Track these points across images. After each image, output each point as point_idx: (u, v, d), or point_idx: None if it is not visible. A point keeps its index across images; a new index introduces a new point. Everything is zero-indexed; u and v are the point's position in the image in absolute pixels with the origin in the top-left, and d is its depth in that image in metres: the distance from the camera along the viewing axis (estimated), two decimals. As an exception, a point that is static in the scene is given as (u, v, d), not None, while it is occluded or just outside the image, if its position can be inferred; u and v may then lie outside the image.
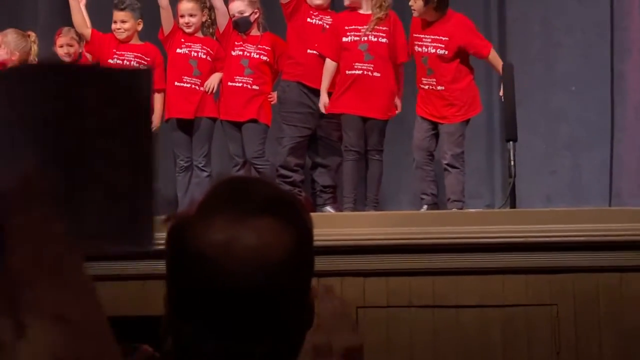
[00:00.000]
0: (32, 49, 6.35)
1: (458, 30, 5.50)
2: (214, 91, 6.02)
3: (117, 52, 6.08)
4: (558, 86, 6.53)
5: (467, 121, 5.58)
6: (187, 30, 6.05)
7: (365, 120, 5.60)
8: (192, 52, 6.04)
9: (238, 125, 5.96)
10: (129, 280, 4.66)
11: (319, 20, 5.83)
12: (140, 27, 6.12)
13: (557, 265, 4.45)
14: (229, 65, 5.97)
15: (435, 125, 5.55)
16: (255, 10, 5.96)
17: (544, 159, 6.46)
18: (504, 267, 4.49)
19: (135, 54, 6.07)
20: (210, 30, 6.12)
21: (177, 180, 6.09)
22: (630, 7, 6.39)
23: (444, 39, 5.47)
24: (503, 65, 5.91)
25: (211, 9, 6.07)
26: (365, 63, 5.56)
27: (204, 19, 6.10)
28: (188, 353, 1.35)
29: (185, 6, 6.05)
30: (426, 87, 5.52)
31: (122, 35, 6.06)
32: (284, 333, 1.35)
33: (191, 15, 6.05)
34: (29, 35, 6.36)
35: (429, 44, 5.51)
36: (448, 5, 5.55)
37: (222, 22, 5.98)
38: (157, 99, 6.06)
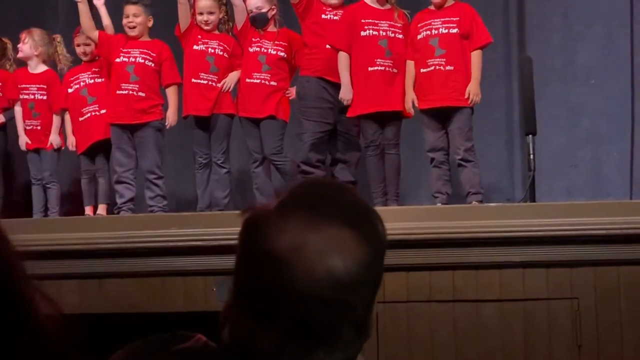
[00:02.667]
0: (58, 50, 6.40)
1: (467, 11, 5.51)
2: (231, 89, 6.01)
3: (123, 50, 6.03)
4: (578, 79, 6.48)
5: (472, 112, 5.52)
6: (206, 28, 6.00)
7: (382, 115, 5.59)
8: (209, 49, 5.98)
9: (256, 122, 5.95)
10: (149, 277, 4.68)
11: (334, 15, 5.81)
12: (150, 24, 6.08)
13: (578, 258, 4.43)
14: (247, 62, 5.96)
15: (443, 123, 5.52)
16: (273, 7, 5.95)
17: (564, 152, 6.42)
18: (524, 260, 4.48)
19: (141, 50, 6.02)
20: (227, 27, 6.10)
21: (196, 177, 6.09)
22: (650, -1, 6.37)
23: (454, 19, 5.46)
24: (522, 57, 5.89)
25: (227, 5, 6.06)
26: (386, 59, 5.56)
27: (220, 16, 6.08)
28: (245, 347, 1.34)
29: (204, 4, 6.03)
30: (432, 68, 5.43)
31: (133, 31, 6.02)
32: (341, 344, 1.34)
33: (210, 13, 6.01)
34: (54, 39, 6.41)
35: (440, 26, 5.48)
36: None
37: (240, 18, 5.96)
38: (172, 92, 6.06)
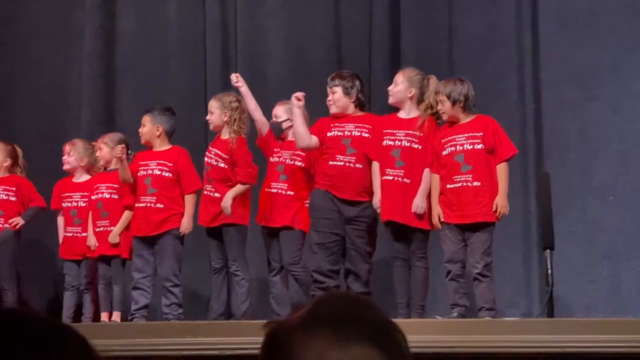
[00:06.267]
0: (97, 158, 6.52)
1: (489, 125, 5.50)
2: (229, 213, 5.85)
3: (141, 163, 6.12)
4: (595, 195, 6.47)
5: (494, 227, 5.51)
6: (210, 127, 6.12)
7: (403, 227, 5.57)
8: (207, 159, 6.02)
9: (275, 231, 5.95)
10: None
11: (338, 131, 5.77)
12: (159, 132, 6.09)
13: (597, 375, 4.34)
14: (268, 172, 6.02)
15: (464, 236, 5.48)
16: (290, 118, 5.91)
17: (583, 268, 6.36)
18: (541, 377, 4.38)
19: (158, 162, 6.08)
20: (234, 128, 5.94)
21: (211, 282, 6.10)
22: (667, 117, 6.41)
23: (478, 134, 5.46)
24: (539, 173, 5.91)
25: (237, 109, 5.95)
26: (396, 169, 5.56)
27: (225, 118, 5.97)
28: None
29: (209, 103, 6.11)
30: (459, 184, 5.44)
31: (142, 140, 6.13)
32: None
33: (210, 113, 6.03)
34: (93, 145, 6.49)
35: (464, 142, 5.49)
36: (473, 107, 5.57)
37: (263, 129, 6.00)
38: (189, 200, 6.07)
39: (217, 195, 5.94)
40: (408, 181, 5.55)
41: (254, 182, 6.01)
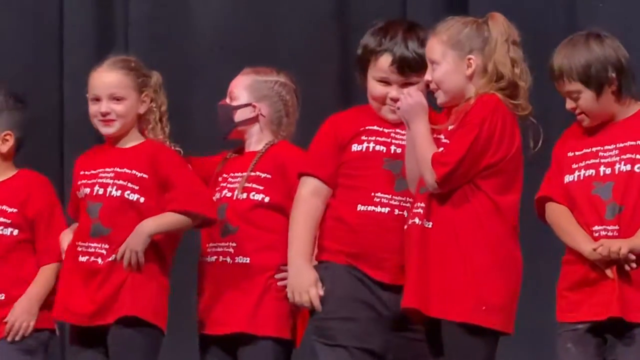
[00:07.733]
0: None
1: None
2: (139, 267, 4.00)
3: None
4: None
5: None
6: (105, 130, 4.06)
7: (433, 322, 3.91)
8: (96, 187, 4.11)
9: (225, 342, 4.06)
10: None
11: (377, 142, 4.02)
12: (7, 146, 4.32)
13: None
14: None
15: (605, 351, 3.85)
16: (255, 105, 4.11)
17: None
18: None
19: None
20: (158, 124, 4.15)
21: None
22: None
23: None
24: None
25: (161, 89, 4.16)
26: (416, 207, 3.89)
27: (143, 108, 4.06)
28: None
29: (103, 79, 4.09)
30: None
31: None
32: None
33: (116, 99, 4.03)
34: None
35: (615, 159, 3.89)
36: (632, 88, 3.83)
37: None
38: (42, 276, 4.26)
39: (110, 260, 4.08)
40: (429, 225, 3.85)
41: (209, 214, 4.08)
